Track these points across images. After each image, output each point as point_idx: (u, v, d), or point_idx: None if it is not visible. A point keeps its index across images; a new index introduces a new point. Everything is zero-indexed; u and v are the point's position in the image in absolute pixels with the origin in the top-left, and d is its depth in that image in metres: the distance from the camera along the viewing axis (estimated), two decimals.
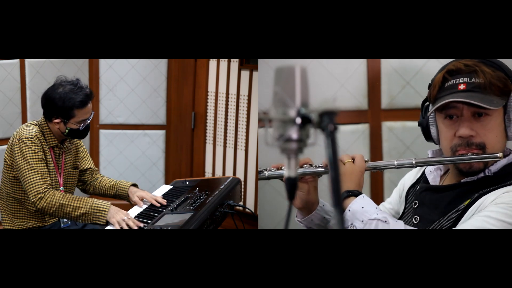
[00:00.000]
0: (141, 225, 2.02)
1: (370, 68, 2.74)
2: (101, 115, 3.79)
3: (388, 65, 2.72)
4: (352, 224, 1.41)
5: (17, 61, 3.27)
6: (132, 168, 3.89)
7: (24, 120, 3.31)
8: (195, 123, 3.87)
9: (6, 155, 2.18)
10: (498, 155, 1.42)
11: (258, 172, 1.65)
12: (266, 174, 1.61)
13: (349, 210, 1.42)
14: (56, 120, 2.15)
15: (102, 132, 3.82)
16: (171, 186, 2.53)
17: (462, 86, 1.44)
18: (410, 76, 2.70)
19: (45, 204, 2.05)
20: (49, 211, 2.07)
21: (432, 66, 2.63)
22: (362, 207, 1.42)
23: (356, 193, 1.45)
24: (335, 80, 2.74)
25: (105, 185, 2.40)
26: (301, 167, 1.57)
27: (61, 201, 2.05)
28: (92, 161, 2.47)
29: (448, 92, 1.46)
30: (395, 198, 1.76)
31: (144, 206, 2.22)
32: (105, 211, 2.04)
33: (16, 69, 3.26)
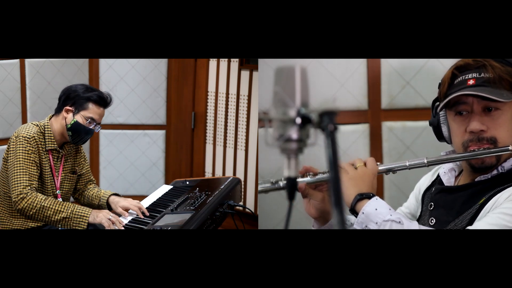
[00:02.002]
0: (124, 223, 2.05)
1: (370, 68, 2.74)
2: None
3: (388, 65, 2.72)
4: (366, 226, 1.40)
5: (17, 61, 3.27)
6: (132, 168, 3.89)
7: (24, 120, 3.31)
8: (195, 123, 3.87)
9: (5, 155, 2.18)
10: (509, 147, 1.41)
11: (272, 183, 1.56)
12: (282, 184, 1.54)
13: (363, 213, 1.41)
14: (68, 108, 2.17)
15: (102, 132, 3.82)
16: (171, 186, 2.53)
17: (471, 82, 1.44)
18: (410, 76, 2.70)
19: (26, 204, 2.03)
20: (29, 213, 2.04)
21: (432, 66, 2.63)
22: (376, 209, 1.41)
23: (369, 196, 1.45)
24: (335, 80, 2.74)
25: (92, 194, 2.36)
26: (315, 174, 1.56)
27: (43, 203, 2.03)
28: (89, 170, 2.43)
29: (457, 88, 1.46)
30: (412, 202, 1.76)
31: (129, 218, 2.16)
32: (86, 216, 2.03)
33: (16, 69, 3.26)
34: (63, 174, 2.27)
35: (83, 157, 2.40)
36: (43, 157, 2.16)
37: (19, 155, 2.08)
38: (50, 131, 2.19)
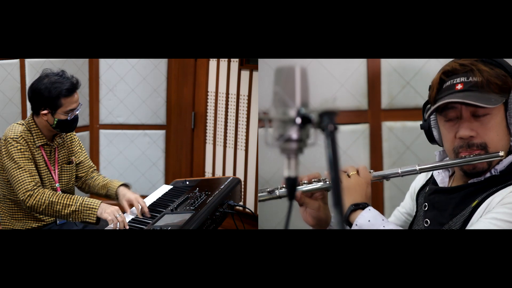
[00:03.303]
0: (127, 227, 2.02)
1: (370, 68, 2.74)
2: (101, 115, 3.79)
3: (388, 65, 2.72)
4: None
5: (17, 61, 3.27)
6: (132, 168, 3.89)
7: None
8: (195, 123, 3.87)
9: None
10: (500, 154, 1.41)
11: (268, 192, 1.55)
12: (278, 193, 1.55)
13: (356, 225, 1.42)
14: (44, 112, 2.11)
15: (102, 132, 3.82)
16: (171, 186, 2.53)
17: (459, 86, 1.43)
18: (410, 76, 2.70)
19: (34, 202, 2.04)
20: (38, 209, 2.05)
21: (432, 66, 2.63)
22: (369, 221, 1.41)
23: (363, 206, 1.45)
24: (335, 80, 2.74)
25: (98, 184, 2.35)
26: (310, 182, 1.55)
27: (51, 199, 2.03)
28: (88, 157, 2.41)
29: (446, 93, 1.45)
30: (408, 202, 1.76)
31: (131, 216, 2.15)
32: (95, 208, 2.02)
33: (16, 69, 3.26)
34: (59, 166, 2.25)
35: (78, 145, 2.36)
36: (36, 153, 2.15)
37: (13, 155, 2.07)
38: (36, 127, 2.16)
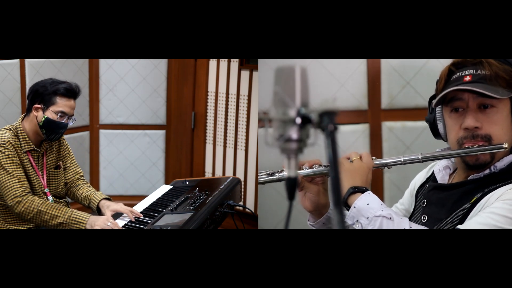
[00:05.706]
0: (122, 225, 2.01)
1: (370, 68, 2.74)
2: (101, 115, 3.79)
3: (388, 65, 2.72)
4: (357, 221, 1.41)
5: (17, 61, 3.27)
6: (132, 168, 3.89)
7: None
8: (195, 123, 3.87)
9: None
10: (504, 145, 1.42)
11: (268, 175, 1.57)
12: (277, 176, 1.55)
13: (355, 207, 1.42)
14: (37, 106, 2.11)
15: (102, 132, 3.82)
16: (171, 186, 2.53)
17: (467, 78, 1.44)
18: (410, 76, 2.70)
19: (23, 209, 2.04)
20: (27, 217, 2.05)
21: (432, 66, 2.63)
22: (368, 204, 1.41)
23: (362, 190, 1.45)
24: (335, 80, 2.74)
25: (81, 194, 2.31)
26: (311, 168, 1.56)
27: (40, 208, 2.03)
28: (75, 163, 2.38)
29: (454, 84, 1.46)
30: (407, 199, 1.76)
31: (126, 220, 2.14)
32: (83, 222, 2.02)
33: (16, 69, 3.26)
34: (47, 172, 2.23)
35: (67, 149, 2.34)
36: (23, 158, 2.13)
37: (1, 161, 2.06)
38: (24, 132, 2.14)
